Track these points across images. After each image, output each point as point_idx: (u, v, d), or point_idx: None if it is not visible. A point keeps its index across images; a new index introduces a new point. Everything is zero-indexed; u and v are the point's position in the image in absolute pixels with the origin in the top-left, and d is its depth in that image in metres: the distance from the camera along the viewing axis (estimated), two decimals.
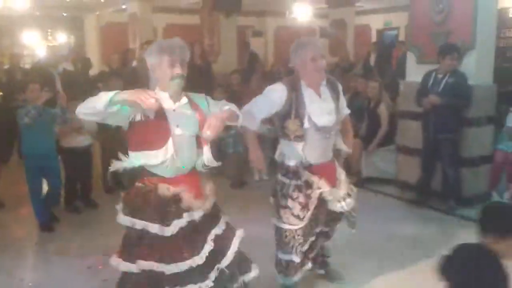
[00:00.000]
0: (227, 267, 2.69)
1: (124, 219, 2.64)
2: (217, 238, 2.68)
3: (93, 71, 9.08)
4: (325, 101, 3.19)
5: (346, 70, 9.54)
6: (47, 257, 4.41)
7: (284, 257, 3.27)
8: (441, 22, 5.54)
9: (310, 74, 3.13)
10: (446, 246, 4.58)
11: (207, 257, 2.60)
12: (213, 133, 2.52)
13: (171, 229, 2.54)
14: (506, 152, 5.55)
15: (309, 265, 3.41)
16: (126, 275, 2.68)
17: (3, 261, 4.33)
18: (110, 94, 2.36)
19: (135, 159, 2.61)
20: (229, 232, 2.78)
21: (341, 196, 3.28)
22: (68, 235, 4.86)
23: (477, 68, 5.33)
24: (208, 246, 2.62)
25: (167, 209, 2.57)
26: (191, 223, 2.60)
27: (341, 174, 3.35)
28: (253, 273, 2.83)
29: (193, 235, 2.61)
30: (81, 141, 5.52)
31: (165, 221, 2.55)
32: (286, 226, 3.19)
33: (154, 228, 2.54)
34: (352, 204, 3.36)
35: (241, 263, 2.80)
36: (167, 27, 13.84)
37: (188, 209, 2.60)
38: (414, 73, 5.80)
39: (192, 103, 2.72)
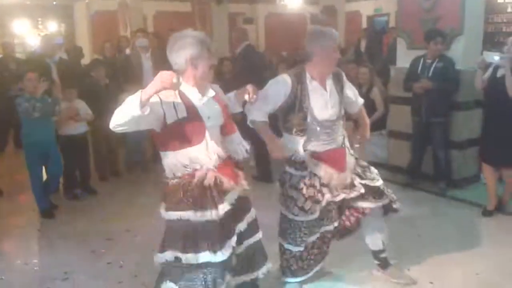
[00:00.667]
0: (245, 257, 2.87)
1: (169, 214, 2.64)
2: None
3: (84, 60, 9.08)
4: (330, 94, 3.16)
5: None
6: (50, 242, 4.51)
7: (287, 246, 3.29)
8: (430, 8, 5.66)
9: (325, 64, 3.10)
10: (437, 226, 4.78)
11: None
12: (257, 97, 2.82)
13: (218, 214, 2.60)
14: None
15: (316, 267, 3.46)
16: (166, 268, 2.70)
17: (6, 247, 4.44)
18: (137, 95, 2.35)
19: (175, 159, 2.64)
20: (253, 227, 2.91)
21: (348, 183, 3.21)
22: (70, 221, 4.96)
23: (465, 53, 5.45)
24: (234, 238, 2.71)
25: (210, 195, 2.62)
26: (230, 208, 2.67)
27: (351, 161, 3.28)
28: (265, 268, 2.99)
29: (228, 223, 2.68)
30: (78, 128, 5.61)
31: (208, 207, 2.59)
32: (291, 217, 3.19)
33: (194, 215, 2.57)
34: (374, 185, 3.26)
35: (258, 258, 2.96)
36: (157, 15, 13.77)
37: (228, 192, 2.68)
38: (405, 59, 5.90)
39: (215, 94, 2.79)
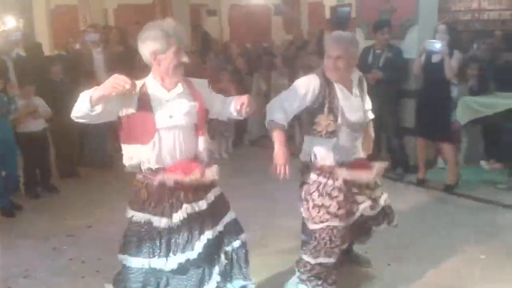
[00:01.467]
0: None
1: (134, 214, 2.57)
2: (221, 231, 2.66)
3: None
4: (356, 97, 3.08)
5: (300, 48, 9.70)
6: (12, 240, 4.44)
7: (319, 260, 3.04)
8: None
9: (327, 69, 2.98)
10: (395, 209, 4.91)
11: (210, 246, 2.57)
12: (251, 110, 2.56)
13: (172, 222, 2.50)
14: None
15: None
16: (125, 269, 2.62)
17: None
18: (89, 93, 2.27)
19: (127, 153, 2.54)
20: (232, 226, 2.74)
21: (377, 196, 3.21)
22: (31, 219, 4.91)
23: (420, 43, 5.53)
24: (204, 238, 2.55)
25: (168, 201, 2.52)
26: (192, 215, 2.54)
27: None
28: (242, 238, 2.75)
29: (192, 227, 2.54)
30: (37, 125, 5.52)
31: (166, 213, 2.51)
32: (321, 225, 3.00)
33: (155, 221, 2.50)
34: (387, 199, 3.30)
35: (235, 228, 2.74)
36: (119, 8, 13.51)
37: (189, 200, 2.54)
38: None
39: (192, 90, 2.61)
